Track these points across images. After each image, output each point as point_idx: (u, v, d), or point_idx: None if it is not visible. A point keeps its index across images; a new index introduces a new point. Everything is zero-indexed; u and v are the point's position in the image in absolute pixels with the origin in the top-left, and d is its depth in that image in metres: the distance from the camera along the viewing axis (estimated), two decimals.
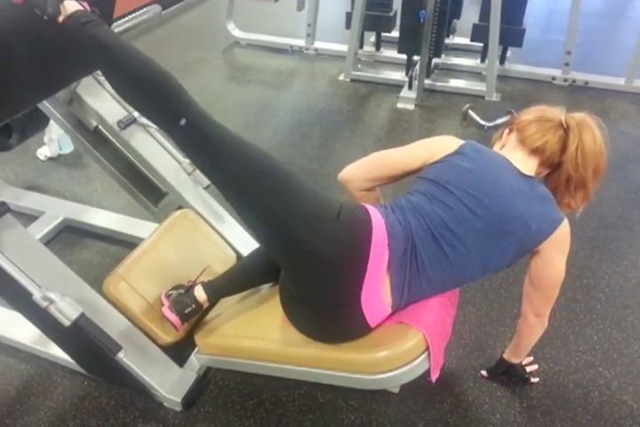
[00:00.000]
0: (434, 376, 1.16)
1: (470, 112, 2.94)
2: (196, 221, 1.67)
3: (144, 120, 1.62)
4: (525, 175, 1.17)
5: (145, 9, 1.41)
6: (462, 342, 1.69)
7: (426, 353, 1.12)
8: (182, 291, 1.44)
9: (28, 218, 2.19)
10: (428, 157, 1.19)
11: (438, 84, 3.29)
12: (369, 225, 1.08)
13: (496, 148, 1.27)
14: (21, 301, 1.28)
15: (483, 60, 3.40)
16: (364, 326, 1.14)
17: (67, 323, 1.21)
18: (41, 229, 2.10)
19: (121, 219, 2.16)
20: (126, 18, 1.37)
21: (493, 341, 1.69)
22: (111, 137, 1.64)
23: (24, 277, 1.22)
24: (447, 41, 3.63)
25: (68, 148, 2.62)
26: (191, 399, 1.48)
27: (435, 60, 3.37)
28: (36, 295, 1.20)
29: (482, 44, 3.31)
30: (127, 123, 1.54)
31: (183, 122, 1.04)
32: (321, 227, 1.06)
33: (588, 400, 1.52)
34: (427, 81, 3.23)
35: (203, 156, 1.10)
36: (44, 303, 1.20)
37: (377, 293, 1.09)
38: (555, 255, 1.18)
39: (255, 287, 1.48)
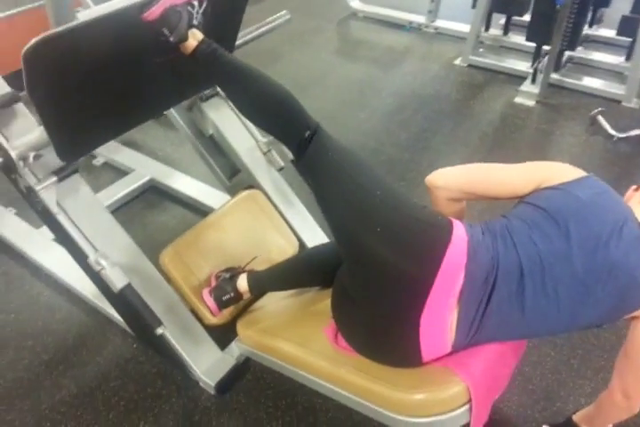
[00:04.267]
0: None
1: (600, 118, 2.55)
2: (263, 204, 1.60)
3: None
4: None
5: (274, 16, 1.58)
6: (529, 387, 1.47)
7: (467, 406, 0.96)
8: (227, 276, 1.39)
9: (117, 173, 2.27)
10: (542, 180, 1.02)
11: (568, 80, 2.89)
12: (447, 236, 0.93)
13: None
14: (80, 259, 1.30)
15: (628, 59, 2.93)
16: (415, 355, 0.99)
17: (116, 289, 1.22)
18: (127, 186, 2.16)
19: (202, 187, 2.16)
20: (256, 25, 1.56)
21: (567, 393, 1.45)
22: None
23: (82, 238, 1.23)
24: (589, 32, 3.18)
25: None
26: (225, 385, 1.44)
27: (568, 53, 2.97)
28: (91, 258, 1.22)
29: (630, 40, 2.85)
30: (209, 95, 1.48)
31: (307, 134, 1.06)
32: (395, 217, 0.97)
33: None
34: (554, 76, 2.86)
35: (331, 165, 1.05)
36: (98, 267, 1.21)
37: (441, 322, 0.94)
38: None
39: (303, 288, 1.39)
